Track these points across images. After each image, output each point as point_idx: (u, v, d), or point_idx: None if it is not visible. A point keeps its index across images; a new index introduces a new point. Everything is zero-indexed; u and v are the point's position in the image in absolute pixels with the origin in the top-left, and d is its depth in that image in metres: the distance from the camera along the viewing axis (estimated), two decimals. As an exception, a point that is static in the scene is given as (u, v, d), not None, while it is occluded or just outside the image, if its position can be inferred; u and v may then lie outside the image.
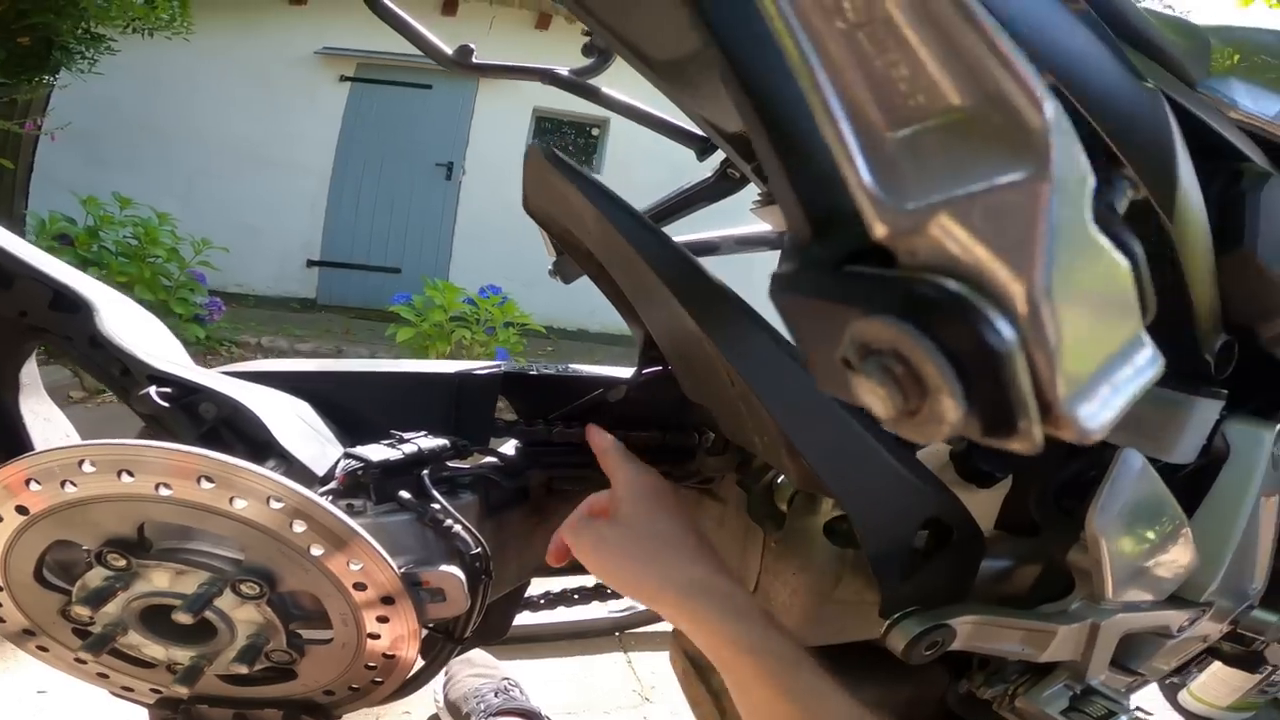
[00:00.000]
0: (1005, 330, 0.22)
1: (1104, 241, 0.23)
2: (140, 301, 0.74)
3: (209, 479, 0.52)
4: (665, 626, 1.55)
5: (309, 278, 6.52)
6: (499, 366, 0.82)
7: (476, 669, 1.29)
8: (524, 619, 1.10)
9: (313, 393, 0.73)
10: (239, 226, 5.61)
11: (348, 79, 6.45)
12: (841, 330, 0.25)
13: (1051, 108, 0.21)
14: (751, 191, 0.88)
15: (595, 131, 7.13)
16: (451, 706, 1.23)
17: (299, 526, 0.55)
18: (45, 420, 0.70)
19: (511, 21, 6.53)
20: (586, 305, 6.43)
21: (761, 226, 0.90)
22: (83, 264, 3.09)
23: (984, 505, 0.76)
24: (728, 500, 0.83)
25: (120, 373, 0.64)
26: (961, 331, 0.22)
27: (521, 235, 6.51)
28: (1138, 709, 0.68)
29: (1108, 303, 0.24)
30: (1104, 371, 0.23)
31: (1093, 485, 0.74)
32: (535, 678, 1.29)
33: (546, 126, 6.90)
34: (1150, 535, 0.61)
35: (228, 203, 6.03)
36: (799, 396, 0.50)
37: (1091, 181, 0.22)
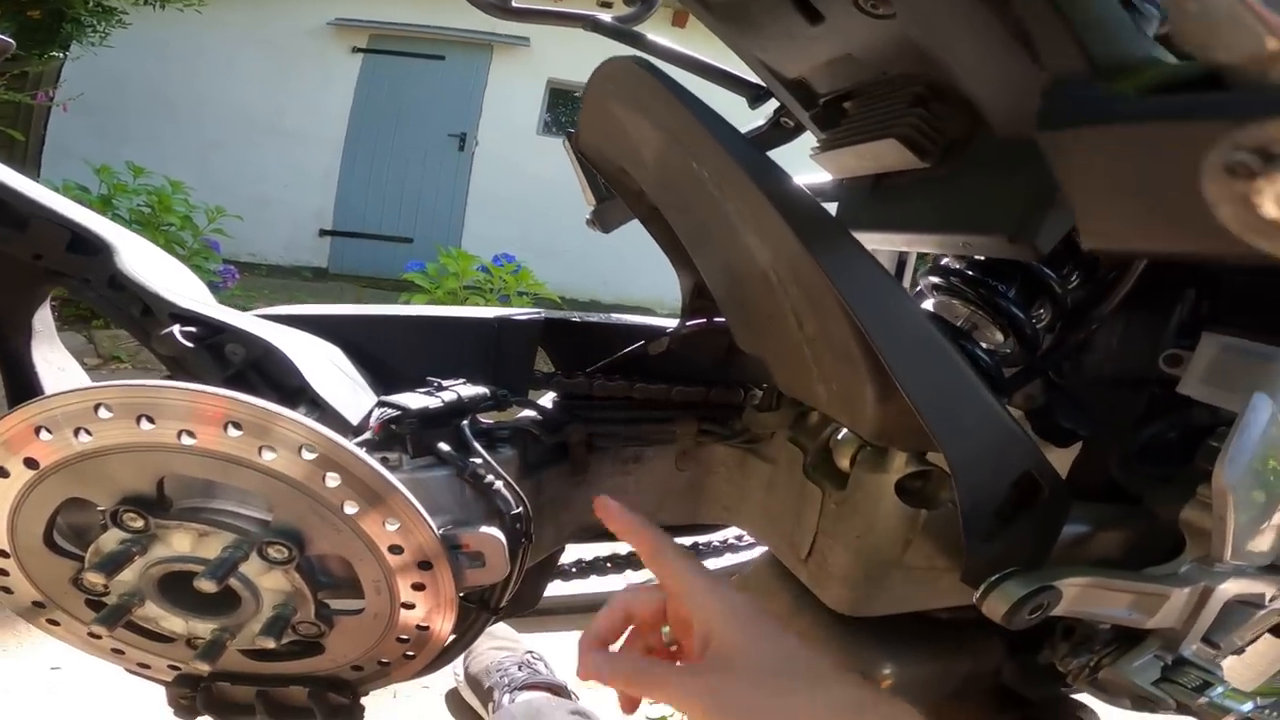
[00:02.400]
0: None
1: None
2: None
3: (237, 425, 0.48)
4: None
5: (321, 247, 6.49)
6: (540, 313, 0.77)
7: (498, 641, 1.24)
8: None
9: (344, 338, 0.69)
10: (252, 196, 5.57)
11: (360, 50, 6.36)
12: (1215, 142, 0.28)
13: None
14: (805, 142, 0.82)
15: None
16: (473, 680, 1.18)
17: (333, 481, 0.50)
18: (59, 370, 0.65)
19: (524, -11, 6.39)
20: (598, 275, 6.37)
21: (818, 176, 0.84)
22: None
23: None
24: (778, 460, 0.78)
25: (141, 313, 0.59)
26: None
27: (533, 207, 6.42)
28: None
29: None
30: None
31: (1174, 446, 0.70)
32: (548, 652, 1.24)
33: (559, 99, 6.78)
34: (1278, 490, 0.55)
35: (240, 173, 5.99)
36: (909, 332, 0.45)
37: None
